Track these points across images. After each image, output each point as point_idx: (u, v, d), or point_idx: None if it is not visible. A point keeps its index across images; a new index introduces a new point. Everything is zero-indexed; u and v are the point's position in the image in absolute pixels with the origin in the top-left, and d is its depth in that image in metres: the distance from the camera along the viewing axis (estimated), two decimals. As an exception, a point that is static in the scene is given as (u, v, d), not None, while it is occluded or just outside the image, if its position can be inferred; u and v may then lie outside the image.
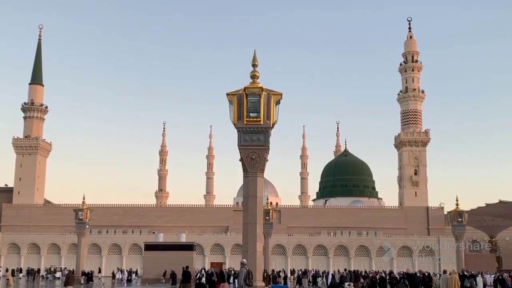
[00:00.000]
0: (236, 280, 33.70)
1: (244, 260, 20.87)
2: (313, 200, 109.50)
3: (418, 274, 36.17)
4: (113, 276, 60.58)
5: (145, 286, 47.06)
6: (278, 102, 14.33)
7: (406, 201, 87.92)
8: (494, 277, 47.21)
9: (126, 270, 63.46)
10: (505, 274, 43.63)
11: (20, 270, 69.77)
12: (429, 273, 43.61)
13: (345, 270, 54.35)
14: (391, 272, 49.02)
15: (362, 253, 77.00)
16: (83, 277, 52.34)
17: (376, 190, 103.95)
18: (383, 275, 45.66)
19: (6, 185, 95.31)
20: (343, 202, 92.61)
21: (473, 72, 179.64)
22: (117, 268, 65.88)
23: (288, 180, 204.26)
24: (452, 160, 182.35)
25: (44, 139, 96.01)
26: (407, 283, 35.05)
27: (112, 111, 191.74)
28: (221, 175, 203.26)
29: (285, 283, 49.24)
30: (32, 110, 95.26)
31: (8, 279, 48.10)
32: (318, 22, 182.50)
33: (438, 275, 45.60)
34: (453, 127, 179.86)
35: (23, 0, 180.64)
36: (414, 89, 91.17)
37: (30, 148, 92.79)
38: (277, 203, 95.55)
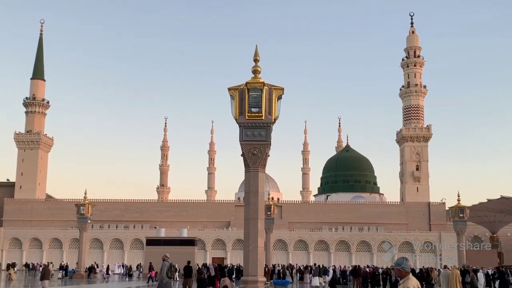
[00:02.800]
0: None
1: (167, 254, 21.52)
2: (315, 196, 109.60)
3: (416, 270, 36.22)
4: (92, 270, 56.72)
5: (145, 281, 47.14)
6: (279, 97, 14.28)
7: (408, 197, 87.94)
8: (492, 272, 47.04)
9: (122, 265, 63.11)
10: None
11: (14, 264, 69.18)
12: (427, 269, 43.60)
13: (315, 264, 54.44)
14: (392, 268, 48.98)
15: (363, 248, 77.09)
16: (61, 271, 52.46)
17: (378, 185, 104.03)
18: (368, 269, 45.57)
19: (7, 180, 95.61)
20: (344, 198, 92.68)
21: (475, 67, 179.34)
22: (95, 263, 65.07)
23: (290, 176, 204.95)
24: (453, 156, 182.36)
25: (46, 134, 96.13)
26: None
27: (114, 106, 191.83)
28: (222, 170, 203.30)
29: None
30: (34, 105, 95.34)
31: (10, 273, 48.57)
32: (320, 16, 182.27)
33: (437, 270, 45.53)
34: (455, 122, 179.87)
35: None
36: (416, 85, 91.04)
37: (31, 143, 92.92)
38: (278, 199, 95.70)
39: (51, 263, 64.73)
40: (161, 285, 20.24)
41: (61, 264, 59.64)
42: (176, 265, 21.54)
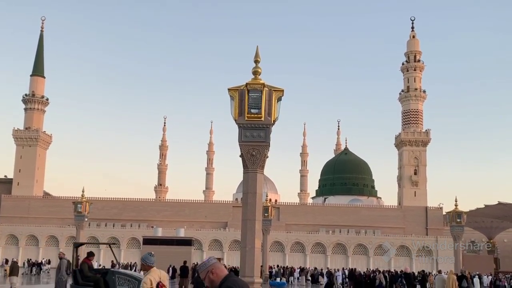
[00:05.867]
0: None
1: (63, 251, 22.61)
2: (312, 198, 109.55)
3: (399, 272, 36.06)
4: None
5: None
6: (279, 99, 14.29)
7: (405, 201, 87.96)
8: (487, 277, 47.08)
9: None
10: None
11: (6, 261, 68.77)
12: (413, 272, 43.77)
13: (277, 266, 54.95)
14: (389, 271, 49.00)
15: (360, 251, 77.13)
16: (35, 267, 52.46)
17: (376, 189, 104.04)
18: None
19: (5, 176, 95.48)
20: (342, 201, 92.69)
21: (476, 72, 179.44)
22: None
23: (288, 178, 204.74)
24: (452, 161, 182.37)
25: (45, 131, 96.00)
26: (404, 282, 35.19)
27: (113, 104, 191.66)
28: (221, 171, 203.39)
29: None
30: (33, 102, 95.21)
31: (6, 270, 48.45)
32: (320, 20, 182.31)
33: (429, 274, 45.51)
34: (453, 127, 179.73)
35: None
36: (416, 89, 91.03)
37: (30, 140, 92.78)
38: (276, 200, 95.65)
39: (30, 259, 64.88)
40: (60, 282, 20.94)
41: (35, 260, 59.60)
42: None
